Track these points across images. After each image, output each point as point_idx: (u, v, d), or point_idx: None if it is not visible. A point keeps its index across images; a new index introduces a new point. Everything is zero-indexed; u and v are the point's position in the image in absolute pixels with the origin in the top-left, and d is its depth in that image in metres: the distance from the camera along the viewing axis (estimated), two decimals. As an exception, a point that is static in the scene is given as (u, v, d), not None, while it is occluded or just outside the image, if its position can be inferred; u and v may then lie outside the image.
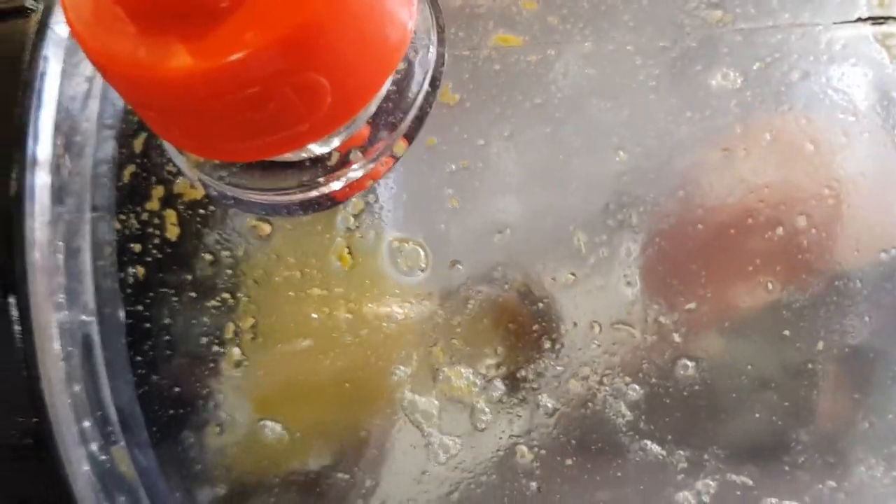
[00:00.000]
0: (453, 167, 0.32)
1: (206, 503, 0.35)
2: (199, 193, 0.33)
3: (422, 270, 0.32)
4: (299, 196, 0.30)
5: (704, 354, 0.32)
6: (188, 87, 0.23)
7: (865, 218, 0.32)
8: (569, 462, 0.32)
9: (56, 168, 0.33)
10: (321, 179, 0.30)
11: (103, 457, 0.34)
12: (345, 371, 0.33)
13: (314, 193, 0.30)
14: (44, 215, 0.32)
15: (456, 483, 0.33)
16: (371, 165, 0.30)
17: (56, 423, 0.32)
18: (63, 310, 0.33)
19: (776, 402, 0.32)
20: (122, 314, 0.34)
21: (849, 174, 0.32)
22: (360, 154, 0.29)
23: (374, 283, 0.33)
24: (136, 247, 0.34)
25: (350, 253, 0.33)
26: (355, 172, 0.30)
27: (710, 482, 0.32)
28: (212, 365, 0.34)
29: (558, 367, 0.32)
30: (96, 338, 0.34)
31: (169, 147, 0.31)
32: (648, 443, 0.32)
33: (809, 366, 0.32)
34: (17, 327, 0.32)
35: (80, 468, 0.33)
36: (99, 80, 0.34)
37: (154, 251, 0.34)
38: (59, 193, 0.33)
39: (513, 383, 0.32)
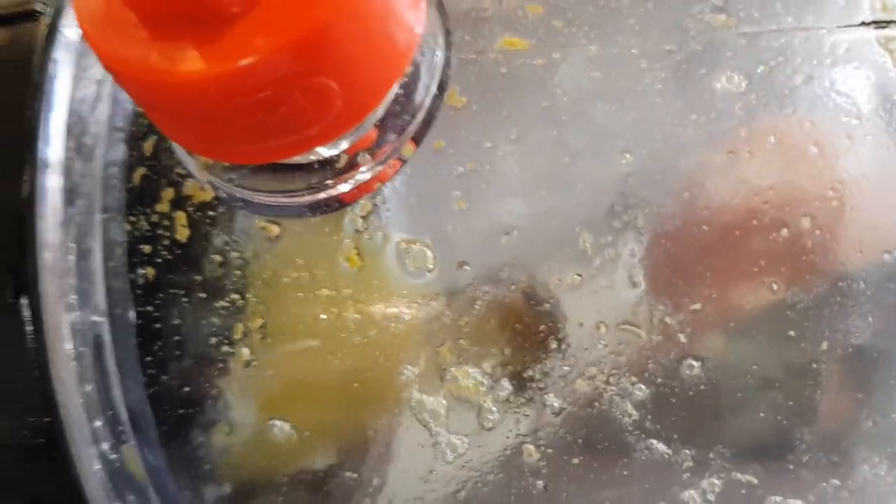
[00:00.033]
0: (460, 169, 0.32)
1: (214, 502, 0.35)
2: (208, 195, 0.34)
3: (429, 271, 0.32)
4: (308, 198, 0.30)
5: (710, 354, 0.32)
6: (200, 90, 0.23)
7: (869, 219, 0.32)
8: (575, 461, 0.33)
9: (67, 170, 0.33)
10: (329, 182, 0.30)
11: (114, 456, 0.34)
12: (353, 371, 0.33)
13: (322, 195, 0.30)
14: (55, 217, 0.33)
15: (463, 482, 0.33)
16: (379, 168, 0.30)
17: (68, 422, 0.33)
18: (74, 310, 0.33)
19: (781, 402, 0.32)
20: (132, 315, 0.34)
21: (852, 176, 0.32)
22: (368, 157, 0.29)
23: (381, 283, 0.33)
24: (147, 248, 0.34)
25: (358, 254, 0.33)
26: (363, 175, 0.30)
27: (716, 481, 0.32)
28: (221, 365, 0.34)
29: (565, 367, 0.32)
30: (107, 338, 0.34)
31: (178, 149, 0.31)
32: (654, 442, 0.32)
33: (813, 366, 0.32)
34: (28, 328, 0.32)
35: (91, 468, 0.33)
36: (109, 83, 0.34)
37: (164, 252, 0.34)
38: (70, 195, 0.33)
39: (520, 383, 0.32)
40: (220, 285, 0.34)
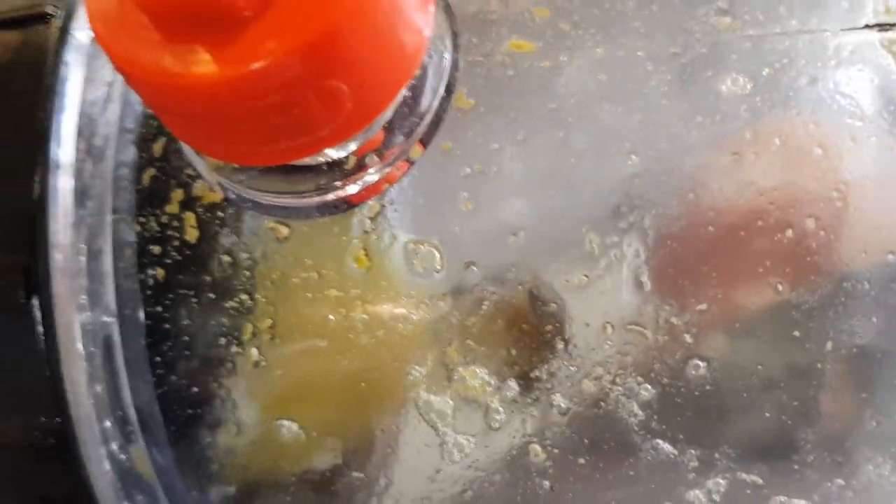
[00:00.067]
0: (468, 171, 0.33)
1: (222, 501, 0.35)
2: (217, 196, 0.34)
3: (437, 272, 0.33)
4: (316, 199, 0.30)
5: (715, 355, 0.32)
6: (212, 93, 0.24)
7: (872, 220, 0.32)
8: (581, 461, 0.33)
9: (78, 171, 0.33)
10: (338, 183, 0.30)
11: (123, 456, 0.34)
12: (361, 371, 0.34)
13: (331, 197, 0.30)
14: (66, 218, 0.33)
15: (470, 482, 0.33)
16: (387, 169, 0.30)
17: (78, 422, 0.33)
18: (85, 311, 0.33)
19: (785, 402, 0.32)
20: (141, 315, 0.34)
21: (856, 177, 0.32)
22: (376, 158, 0.30)
23: (389, 284, 0.33)
24: (156, 249, 0.34)
25: (366, 255, 0.33)
26: (371, 176, 0.30)
27: (721, 481, 0.32)
28: (229, 365, 0.34)
29: (571, 368, 0.32)
30: (117, 338, 0.34)
31: (188, 151, 0.31)
32: (660, 442, 0.32)
33: (818, 366, 0.32)
34: (40, 328, 0.32)
35: (101, 467, 0.33)
36: (119, 85, 0.34)
37: (173, 253, 0.34)
38: (80, 196, 0.33)
39: (526, 383, 0.33)
40: (229, 286, 0.34)
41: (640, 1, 0.34)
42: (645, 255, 0.32)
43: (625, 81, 0.33)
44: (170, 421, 0.35)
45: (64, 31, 0.34)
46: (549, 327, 0.33)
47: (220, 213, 0.34)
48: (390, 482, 0.34)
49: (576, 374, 0.33)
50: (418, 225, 0.33)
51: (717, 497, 0.33)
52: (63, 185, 0.33)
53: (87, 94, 0.34)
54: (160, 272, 0.35)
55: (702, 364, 0.32)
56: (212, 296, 0.34)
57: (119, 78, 0.34)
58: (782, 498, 0.33)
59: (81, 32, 0.34)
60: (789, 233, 0.32)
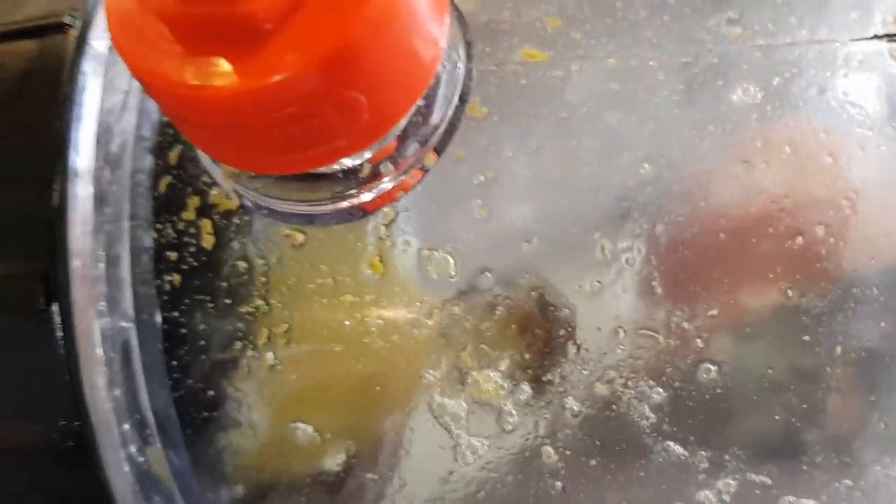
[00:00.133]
0: (481, 178, 0.33)
1: (238, 503, 0.35)
2: (233, 203, 0.34)
3: (451, 278, 0.33)
4: (332, 207, 0.30)
5: (726, 358, 0.32)
6: (232, 105, 0.24)
7: (881, 227, 0.32)
8: (593, 462, 0.33)
9: (96, 179, 0.34)
10: (353, 191, 0.30)
11: (140, 459, 0.34)
12: (375, 375, 0.34)
13: (346, 204, 0.30)
14: (85, 225, 0.33)
15: (483, 483, 0.34)
16: (402, 177, 0.30)
17: (97, 426, 0.33)
18: (104, 316, 0.33)
19: (794, 404, 0.32)
20: (158, 320, 0.35)
21: (865, 185, 0.32)
22: (391, 166, 0.30)
23: (404, 290, 0.33)
24: (173, 255, 0.35)
25: (381, 261, 0.33)
26: (386, 184, 0.30)
27: (731, 482, 0.33)
28: (245, 369, 0.34)
29: (584, 371, 0.32)
30: (134, 343, 0.34)
31: (204, 158, 0.31)
32: (671, 444, 0.32)
33: (827, 369, 0.32)
34: (59, 334, 0.32)
35: (119, 470, 0.34)
36: (135, 94, 0.35)
37: (190, 259, 0.35)
38: (99, 203, 0.33)
39: (539, 387, 0.33)
40: (244, 291, 0.34)
41: (652, 11, 0.34)
42: (656, 261, 0.33)
43: (636, 90, 0.33)
44: (186, 424, 0.35)
45: (81, 41, 0.34)
46: (561, 332, 0.33)
47: (236, 220, 0.35)
48: (404, 483, 0.35)
49: (588, 378, 0.33)
50: (432, 232, 0.34)
51: (727, 497, 0.33)
52: (82, 192, 0.33)
53: (104, 102, 0.34)
54: (177, 278, 0.35)
55: (712, 367, 0.32)
56: (227, 301, 0.35)
57: (135, 86, 0.35)
58: (791, 498, 0.33)
59: (98, 42, 0.34)
60: (799, 239, 0.32)
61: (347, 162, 0.30)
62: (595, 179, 0.33)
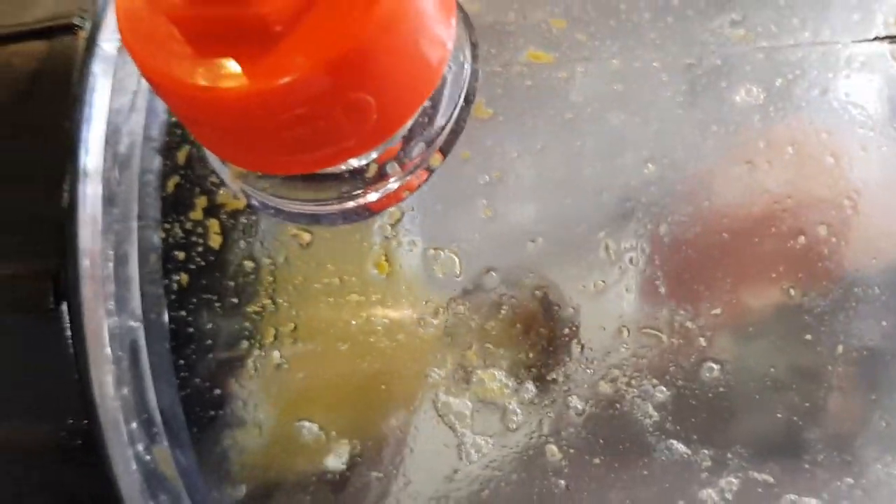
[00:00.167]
0: (486, 178, 0.33)
1: (243, 501, 0.36)
2: (241, 203, 0.34)
3: (456, 277, 0.33)
4: (338, 206, 0.31)
5: (728, 357, 0.32)
6: (241, 106, 0.24)
7: (882, 227, 0.32)
8: (597, 461, 0.33)
9: (105, 179, 0.34)
10: (360, 191, 0.30)
11: (147, 457, 0.34)
12: (381, 374, 0.34)
13: (352, 204, 0.31)
14: (94, 225, 0.33)
15: (487, 481, 0.34)
16: (407, 178, 0.30)
17: (105, 424, 0.33)
18: (112, 316, 0.34)
19: (796, 403, 0.33)
20: (166, 319, 0.35)
21: (866, 185, 0.32)
22: (397, 167, 0.30)
23: (409, 289, 0.34)
24: (181, 254, 0.35)
25: (387, 260, 0.33)
26: (392, 184, 0.30)
27: (733, 480, 0.33)
28: (251, 368, 0.34)
29: (587, 370, 0.33)
30: (142, 342, 0.34)
31: (212, 158, 0.32)
32: (674, 442, 0.33)
33: (828, 368, 0.32)
34: (68, 333, 0.32)
35: (127, 468, 0.34)
36: (143, 94, 0.35)
37: (197, 259, 0.35)
38: (108, 203, 0.34)
39: (543, 385, 0.33)
40: (251, 290, 0.34)
41: (656, 13, 0.34)
42: (659, 261, 0.33)
43: (640, 92, 0.34)
44: (192, 422, 0.36)
45: (91, 42, 0.34)
46: (565, 331, 0.33)
47: (243, 220, 0.35)
48: (409, 481, 0.35)
49: (592, 377, 0.33)
50: (438, 231, 0.34)
51: (729, 496, 0.33)
52: (91, 192, 0.33)
53: (112, 103, 0.34)
54: (184, 277, 0.35)
55: (715, 366, 0.32)
56: (234, 300, 0.35)
57: (143, 87, 0.35)
58: (793, 496, 0.33)
59: (108, 43, 0.34)
60: (801, 239, 0.32)
61: (354, 162, 0.30)
62: (599, 180, 0.33)
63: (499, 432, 0.33)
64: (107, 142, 0.34)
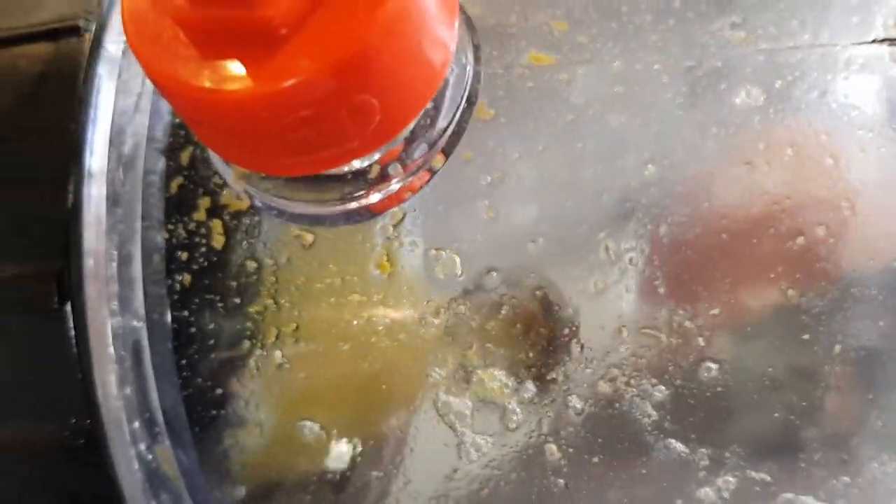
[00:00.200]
0: (488, 179, 0.33)
1: (244, 500, 0.36)
2: (244, 204, 0.34)
3: (457, 277, 0.33)
4: (341, 207, 0.31)
5: (727, 357, 0.32)
6: (246, 108, 0.24)
7: (880, 227, 0.33)
8: (596, 460, 0.33)
9: (110, 180, 0.34)
10: (362, 192, 0.30)
11: (149, 456, 0.34)
12: (382, 373, 0.34)
13: (355, 205, 0.31)
14: (98, 225, 0.33)
15: (486, 480, 0.34)
16: (410, 179, 0.30)
17: (108, 424, 0.33)
18: (116, 316, 0.34)
19: (794, 402, 0.33)
20: (168, 319, 0.35)
21: (865, 186, 0.32)
22: (399, 168, 0.30)
23: (411, 289, 0.34)
24: (184, 255, 0.35)
25: (389, 261, 0.34)
26: (394, 185, 0.30)
27: (731, 478, 0.33)
28: (253, 368, 0.34)
29: (587, 370, 0.33)
30: (145, 342, 0.35)
31: (215, 159, 0.32)
32: (672, 441, 0.33)
33: (826, 368, 0.33)
34: (72, 333, 0.33)
35: (129, 468, 0.34)
36: (147, 96, 0.35)
37: (200, 259, 0.35)
38: (112, 204, 0.34)
39: (543, 385, 0.33)
40: (254, 291, 0.35)
41: (657, 15, 0.34)
42: (659, 261, 0.33)
43: (641, 93, 0.34)
44: (194, 422, 0.36)
45: (96, 44, 0.34)
46: (565, 331, 0.33)
47: (246, 221, 0.35)
48: (409, 481, 0.35)
49: (591, 376, 0.33)
50: (439, 232, 0.34)
51: (726, 494, 0.33)
52: (95, 193, 0.34)
53: (117, 104, 0.34)
54: (187, 277, 0.35)
55: (713, 366, 0.33)
56: (237, 300, 0.35)
57: (147, 89, 0.35)
58: (790, 495, 0.33)
59: (113, 45, 0.35)
60: (800, 239, 0.32)
61: (356, 163, 0.30)
62: (599, 181, 0.33)
63: (498, 432, 0.34)
64: (111, 143, 0.34)
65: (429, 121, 0.30)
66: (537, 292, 0.33)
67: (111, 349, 0.33)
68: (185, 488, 0.36)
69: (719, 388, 0.33)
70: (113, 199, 0.34)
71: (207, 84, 0.24)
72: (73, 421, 0.33)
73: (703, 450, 0.33)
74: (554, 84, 0.34)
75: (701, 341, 0.32)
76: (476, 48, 0.31)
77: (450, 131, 0.30)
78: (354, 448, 0.35)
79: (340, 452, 0.35)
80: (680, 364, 0.32)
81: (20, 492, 0.35)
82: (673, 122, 0.33)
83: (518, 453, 0.34)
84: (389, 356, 0.34)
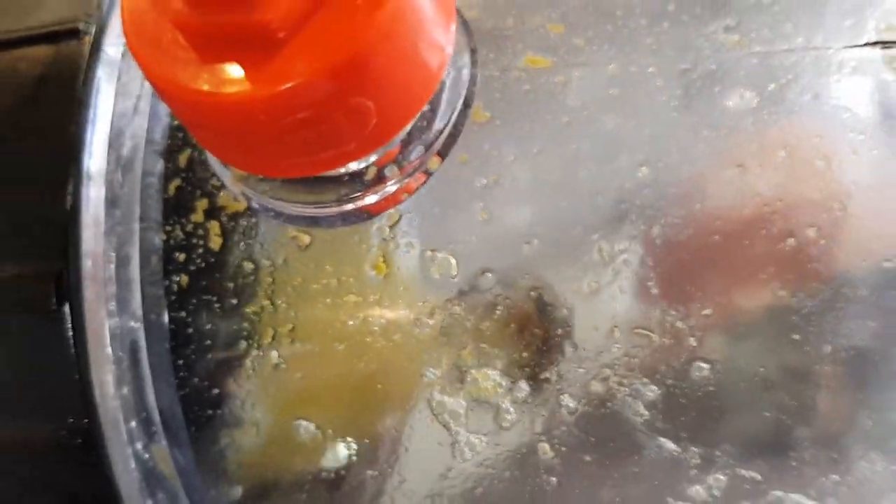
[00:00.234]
0: (484, 181, 0.34)
1: (241, 500, 0.36)
2: (241, 206, 0.34)
3: (452, 278, 0.33)
4: (337, 209, 0.31)
5: (718, 357, 0.33)
6: (244, 111, 0.25)
7: (871, 229, 0.33)
8: (588, 458, 0.34)
9: (108, 182, 0.34)
10: (358, 194, 0.31)
11: (146, 456, 0.35)
12: (377, 373, 0.34)
13: (351, 207, 0.31)
14: (97, 227, 0.33)
15: (480, 478, 0.34)
16: (406, 180, 0.31)
17: (105, 424, 0.33)
18: (114, 316, 0.34)
19: (784, 402, 0.33)
20: (166, 320, 0.35)
21: (856, 188, 0.33)
22: (395, 170, 0.30)
23: (406, 290, 0.34)
24: (181, 256, 0.35)
25: (385, 262, 0.34)
26: (391, 187, 0.31)
27: (721, 476, 0.33)
28: (249, 368, 0.35)
29: (580, 370, 0.33)
30: (142, 343, 0.35)
31: (213, 161, 0.32)
32: (664, 440, 0.33)
33: (816, 367, 0.33)
34: (70, 333, 0.33)
35: (126, 467, 0.34)
36: (146, 98, 0.35)
37: (198, 260, 0.35)
38: (110, 206, 0.34)
39: (536, 384, 0.33)
40: (250, 292, 0.35)
41: (652, 19, 0.35)
42: (652, 262, 0.33)
43: (636, 96, 0.34)
44: (191, 422, 0.36)
45: (96, 46, 0.34)
46: (559, 331, 0.34)
47: (243, 222, 0.35)
48: (403, 479, 0.35)
49: (584, 376, 0.33)
50: (435, 233, 0.34)
51: (717, 492, 0.33)
52: (94, 194, 0.34)
53: (116, 107, 0.35)
54: (185, 279, 0.35)
55: (705, 366, 0.33)
56: (234, 301, 0.35)
57: (146, 91, 0.35)
58: (779, 493, 0.33)
59: (112, 48, 0.35)
60: (791, 241, 0.32)
61: (353, 165, 0.30)
62: (594, 183, 0.34)
63: (492, 431, 0.34)
64: (110, 145, 0.34)
65: (425, 123, 0.30)
66: (531, 293, 0.33)
67: (109, 349, 0.34)
68: (182, 487, 0.36)
69: (711, 388, 0.33)
70: (111, 201, 0.34)
71: (206, 87, 0.25)
72: (71, 420, 0.33)
73: (695, 448, 0.33)
74: (550, 86, 0.34)
75: (693, 341, 0.33)
76: (473, 51, 0.31)
77: (446, 133, 0.31)
78: (350, 447, 0.35)
79: (336, 452, 0.35)
80: (672, 364, 0.33)
81: (19, 491, 0.35)
82: (667, 125, 0.34)
83: (512, 452, 0.34)
84: (385, 356, 0.34)
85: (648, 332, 0.33)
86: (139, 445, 0.34)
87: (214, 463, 0.36)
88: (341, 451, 0.35)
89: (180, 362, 0.35)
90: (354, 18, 0.24)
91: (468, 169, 0.33)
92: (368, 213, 0.31)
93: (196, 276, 0.35)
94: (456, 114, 0.31)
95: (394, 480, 0.35)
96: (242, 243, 0.35)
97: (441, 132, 0.30)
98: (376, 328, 0.34)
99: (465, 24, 0.31)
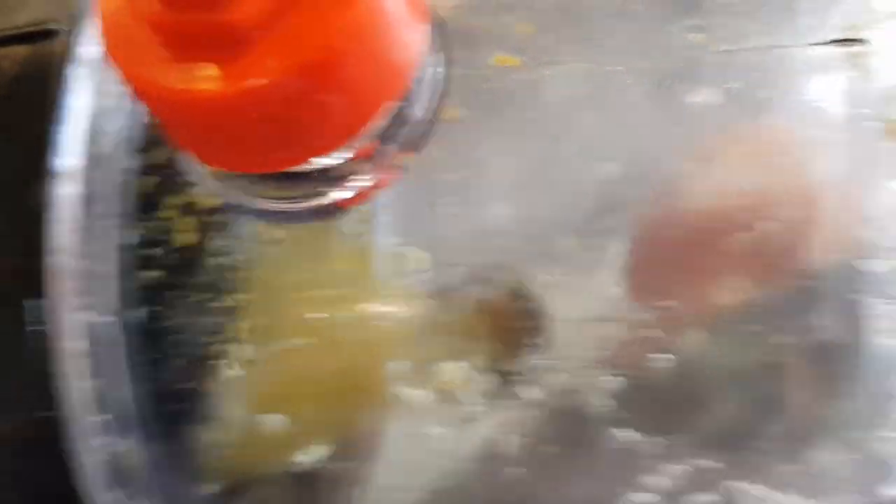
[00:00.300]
0: (455, 177, 0.34)
1: (210, 495, 0.36)
2: (215, 202, 0.35)
3: (423, 272, 0.34)
4: (311, 204, 0.31)
5: (683, 349, 0.33)
6: (215, 108, 0.25)
7: (838, 223, 0.34)
8: (554, 449, 0.34)
9: (84, 178, 0.34)
10: (330, 189, 0.31)
11: (116, 451, 0.35)
12: (348, 368, 0.35)
13: (325, 202, 0.31)
14: (73, 222, 0.34)
15: (448, 471, 0.35)
16: (378, 176, 0.31)
17: (76, 418, 0.34)
18: (87, 310, 0.34)
19: (747, 393, 0.34)
20: (139, 315, 0.35)
21: (821, 183, 0.33)
22: (368, 166, 0.31)
23: (378, 284, 0.34)
24: (156, 251, 0.35)
25: (356, 257, 0.34)
26: (363, 182, 0.31)
27: (686, 466, 0.34)
28: (222, 363, 0.35)
29: (549, 362, 0.33)
30: (115, 337, 0.35)
31: (187, 159, 0.32)
32: (627, 431, 0.33)
33: (782, 360, 0.34)
34: (42, 327, 0.33)
35: (94, 462, 0.34)
36: (123, 97, 0.35)
37: (172, 255, 0.35)
38: (86, 202, 0.34)
39: (505, 377, 0.34)
40: (224, 287, 0.35)
41: (620, 18, 0.35)
42: (620, 256, 0.34)
43: (605, 94, 0.35)
44: (161, 417, 0.36)
45: (72, 46, 0.34)
46: (528, 324, 0.34)
47: (217, 218, 0.35)
48: (376, 473, 0.35)
49: (552, 368, 0.34)
50: (407, 228, 0.35)
51: (680, 480, 0.34)
52: (70, 190, 0.34)
53: (92, 105, 0.35)
54: (159, 274, 0.36)
55: (670, 358, 0.33)
56: (208, 296, 0.35)
57: (123, 90, 0.35)
58: (741, 483, 0.34)
59: (87, 47, 0.35)
60: (757, 235, 0.33)
61: (326, 161, 0.30)
62: (563, 178, 0.34)
63: (458, 423, 0.34)
64: (89, 142, 0.34)
65: (399, 120, 0.30)
66: (503, 288, 0.34)
67: (81, 344, 0.34)
68: (153, 482, 0.36)
69: (674, 380, 0.33)
70: (88, 197, 0.34)
71: (178, 85, 0.25)
72: (41, 414, 0.33)
73: (658, 438, 0.34)
74: (519, 85, 0.35)
75: (660, 334, 0.33)
76: (445, 50, 0.32)
77: (419, 130, 0.31)
78: (323, 442, 0.35)
79: (309, 447, 0.35)
80: (636, 356, 0.33)
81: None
82: (637, 122, 0.34)
83: (477, 444, 0.34)
84: (358, 351, 0.34)
85: (616, 325, 0.33)
86: (109, 440, 0.34)
87: (187, 458, 0.36)
88: (314, 446, 0.35)
89: (153, 356, 0.35)
90: (325, 17, 0.24)
91: (439, 165, 0.34)
92: (342, 209, 0.32)
93: (170, 272, 0.35)
94: (429, 111, 0.31)
95: (366, 474, 0.35)
96: (217, 239, 0.35)
97: (414, 129, 0.31)
98: (347, 323, 0.34)
99: (437, 23, 0.31)
